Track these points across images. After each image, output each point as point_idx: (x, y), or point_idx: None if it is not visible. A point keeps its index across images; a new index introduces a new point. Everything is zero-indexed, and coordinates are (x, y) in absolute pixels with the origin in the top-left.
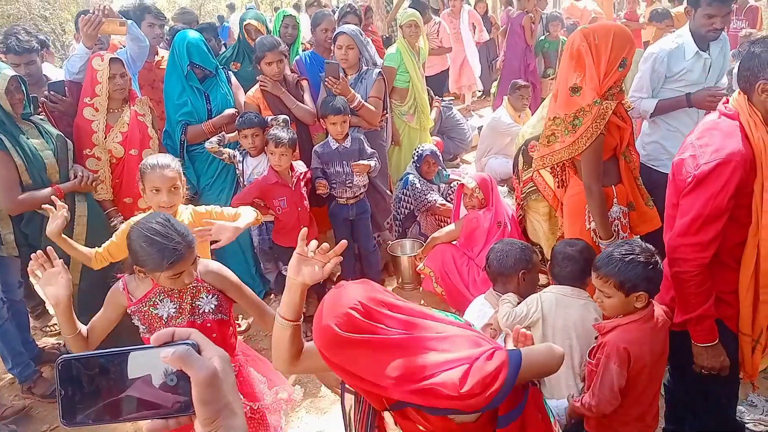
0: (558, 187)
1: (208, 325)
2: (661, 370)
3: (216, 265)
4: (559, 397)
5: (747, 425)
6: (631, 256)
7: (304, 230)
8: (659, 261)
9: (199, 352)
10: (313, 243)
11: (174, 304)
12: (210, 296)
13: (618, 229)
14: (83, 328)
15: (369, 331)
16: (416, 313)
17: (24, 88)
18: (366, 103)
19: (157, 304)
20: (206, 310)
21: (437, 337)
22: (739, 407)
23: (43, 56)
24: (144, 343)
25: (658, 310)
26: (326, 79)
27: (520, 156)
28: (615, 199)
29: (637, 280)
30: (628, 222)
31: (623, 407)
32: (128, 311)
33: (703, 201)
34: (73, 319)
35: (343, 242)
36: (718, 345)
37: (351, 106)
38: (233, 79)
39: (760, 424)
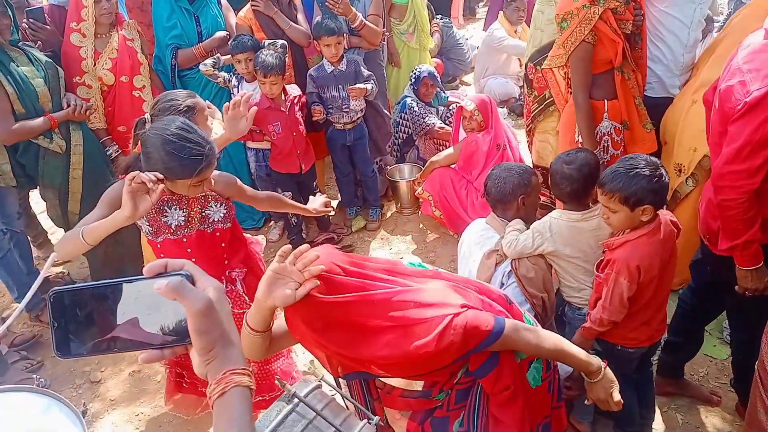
0: (567, 91)
1: (218, 234)
2: (670, 277)
3: (226, 174)
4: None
5: None
6: (635, 171)
7: (287, 247)
8: (664, 173)
9: (193, 282)
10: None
11: (183, 212)
12: (219, 205)
13: (608, 145)
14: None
15: (353, 288)
16: (385, 269)
17: (11, 12)
18: (368, 22)
19: (166, 212)
20: (215, 219)
21: (416, 290)
22: None
23: None
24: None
25: (664, 219)
26: (327, 0)
27: (523, 81)
28: (606, 114)
29: (641, 194)
30: (621, 139)
31: (631, 315)
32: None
33: (753, 127)
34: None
35: (314, 253)
36: (762, 267)
37: (353, 26)
38: (223, 0)
39: None
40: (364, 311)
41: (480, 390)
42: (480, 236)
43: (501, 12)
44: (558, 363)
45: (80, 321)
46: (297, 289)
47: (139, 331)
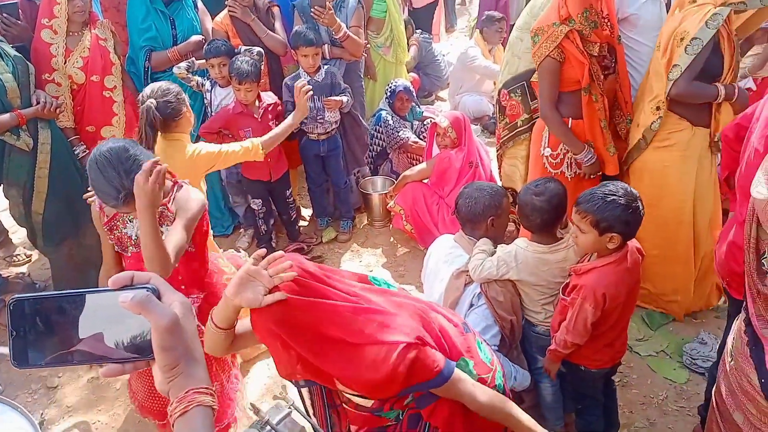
0: None
1: None
2: (632, 302)
3: (196, 199)
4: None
5: (696, 361)
6: (612, 197)
7: (262, 251)
8: (640, 207)
9: (159, 296)
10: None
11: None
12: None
13: (572, 162)
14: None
15: (321, 294)
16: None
17: None
18: (352, 34)
19: (126, 223)
20: None
21: (380, 310)
22: (689, 344)
23: None
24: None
25: (631, 247)
26: (312, 9)
27: (497, 106)
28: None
29: (613, 221)
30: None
31: (594, 337)
32: (105, 228)
33: None
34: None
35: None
36: None
37: (336, 37)
38: (200, 4)
39: (708, 360)
40: (327, 319)
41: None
42: (448, 254)
43: (477, 30)
44: (516, 375)
45: (40, 331)
46: (265, 294)
47: (100, 344)
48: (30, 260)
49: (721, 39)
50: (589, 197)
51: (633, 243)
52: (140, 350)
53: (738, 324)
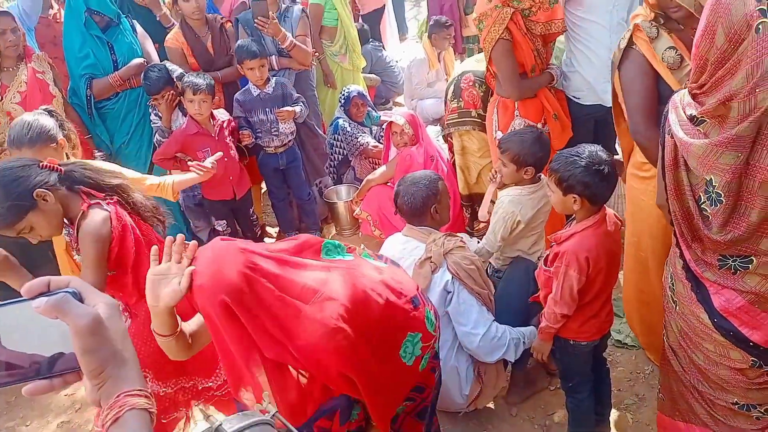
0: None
1: None
2: (615, 271)
3: (81, 238)
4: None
5: None
6: (574, 158)
7: (155, 248)
8: (606, 170)
9: (81, 300)
10: (176, 240)
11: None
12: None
13: None
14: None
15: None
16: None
17: None
18: (298, 43)
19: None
20: None
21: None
22: None
23: None
24: None
25: (609, 212)
26: (255, 20)
27: (452, 86)
28: (516, 111)
29: (572, 181)
30: None
31: (580, 308)
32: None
33: None
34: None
35: (194, 242)
36: None
37: (283, 47)
38: (138, 27)
39: None
40: (275, 284)
41: None
42: (402, 249)
43: (425, 36)
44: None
45: None
46: (180, 282)
47: (23, 359)
48: None
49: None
50: (556, 157)
51: (610, 211)
52: (67, 361)
53: (672, 270)
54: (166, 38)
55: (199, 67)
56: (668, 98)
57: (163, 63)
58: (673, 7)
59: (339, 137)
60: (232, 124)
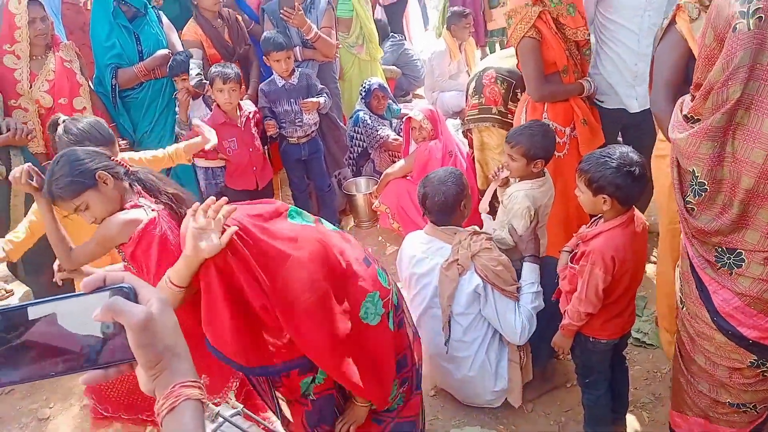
0: None
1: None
2: (641, 271)
3: (109, 221)
4: None
5: None
6: (605, 159)
7: (196, 204)
8: (638, 171)
9: (135, 295)
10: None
11: None
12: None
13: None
14: None
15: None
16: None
17: None
18: (323, 35)
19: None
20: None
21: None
22: None
23: None
24: None
25: (637, 213)
26: (282, 11)
27: (474, 82)
28: (545, 114)
29: (603, 182)
30: (566, 142)
31: (605, 306)
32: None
33: None
34: None
35: (231, 205)
36: None
37: (307, 38)
38: (164, 18)
39: None
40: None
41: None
42: (427, 249)
43: (445, 28)
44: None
45: (12, 346)
46: (220, 237)
47: (78, 350)
48: (12, 294)
49: None
50: (587, 158)
51: (636, 212)
52: (123, 353)
53: (681, 270)
54: (183, 32)
55: (221, 57)
56: None
57: (188, 54)
58: None
59: (359, 129)
60: (257, 115)
